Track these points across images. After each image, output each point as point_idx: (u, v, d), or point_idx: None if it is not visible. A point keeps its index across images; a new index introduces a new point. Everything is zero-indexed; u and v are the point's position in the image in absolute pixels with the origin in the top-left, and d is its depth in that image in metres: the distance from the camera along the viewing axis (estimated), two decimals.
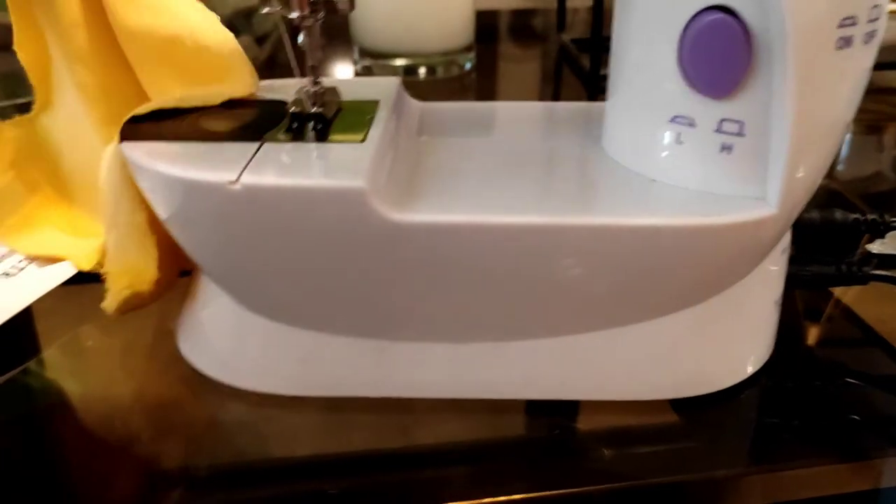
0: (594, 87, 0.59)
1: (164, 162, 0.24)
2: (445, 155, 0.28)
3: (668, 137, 0.25)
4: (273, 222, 0.24)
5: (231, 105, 0.28)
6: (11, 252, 0.34)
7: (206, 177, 0.23)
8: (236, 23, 0.59)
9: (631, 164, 0.27)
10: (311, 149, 0.26)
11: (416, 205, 0.24)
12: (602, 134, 0.29)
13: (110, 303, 0.28)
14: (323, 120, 0.27)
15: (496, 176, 0.27)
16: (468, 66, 0.63)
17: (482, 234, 0.24)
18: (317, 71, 0.27)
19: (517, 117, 0.33)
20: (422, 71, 0.61)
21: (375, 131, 0.26)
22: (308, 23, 0.26)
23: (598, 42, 0.59)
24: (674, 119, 0.25)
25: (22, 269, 0.33)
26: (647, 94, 0.26)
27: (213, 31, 0.28)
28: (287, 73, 0.31)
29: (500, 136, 0.30)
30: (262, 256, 0.25)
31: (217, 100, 0.28)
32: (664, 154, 0.26)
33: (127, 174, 0.26)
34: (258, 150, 0.25)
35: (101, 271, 0.28)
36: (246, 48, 0.29)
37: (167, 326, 0.31)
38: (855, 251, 0.36)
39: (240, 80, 0.29)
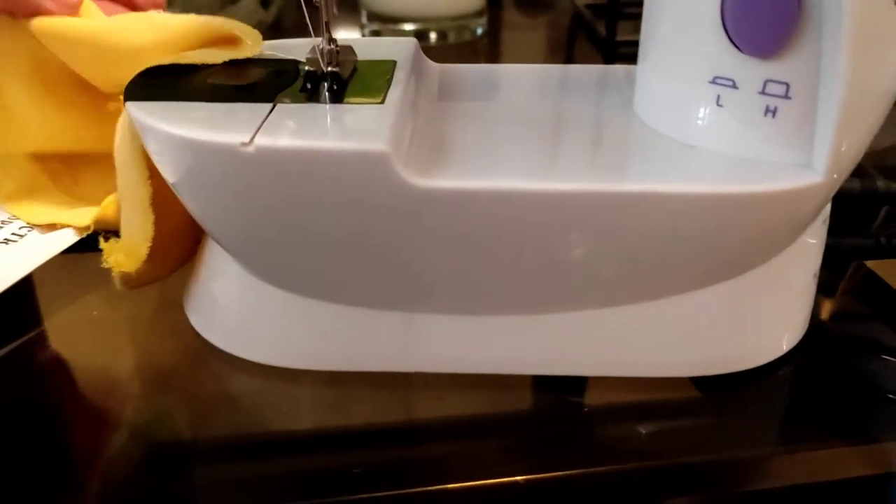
0: (611, 53, 0.58)
1: (172, 122, 0.23)
2: (469, 118, 0.27)
3: (707, 100, 0.24)
4: (288, 187, 0.23)
5: (241, 64, 0.27)
6: (13, 219, 0.33)
7: (218, 138, 0.22)
8: None
9: (666, 129, 0.26)
10: (327, 110, 0.24)
11: (442, 170, 0.23)
12: (634, 98, 0.27)
13: (114, 277, 0.27)
14: (339, 80, 0.26)
15: (524, 141, 0.26)
16: (479, 31, 0.62)
17: (512, 201, 0.23)
18: (331, 28, 0.25)
19: (541, 80, 0.31)
20: (432, 36, 0.60)
21: (395, 92, 0.25)
22: None
23: (614, 7, 0.57)
24: (714, 80, 0.24)
25: (23, 235, 0.32)
26: (686, 54, 0.24)
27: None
28: (294, 36, 0.30)
29: (526, 100, 0.29)
30: (276, 224, 0.24)
31: (218, 59, 0.26)
32: (703, 118, 0.24)
33: (136, 146, 0.25)
34: (271, 110, 0.24)
35: (100, 236, 0.27)
36: (251, 11, 0.28)
37: (173, 296, 0.30)
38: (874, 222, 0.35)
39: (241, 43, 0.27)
